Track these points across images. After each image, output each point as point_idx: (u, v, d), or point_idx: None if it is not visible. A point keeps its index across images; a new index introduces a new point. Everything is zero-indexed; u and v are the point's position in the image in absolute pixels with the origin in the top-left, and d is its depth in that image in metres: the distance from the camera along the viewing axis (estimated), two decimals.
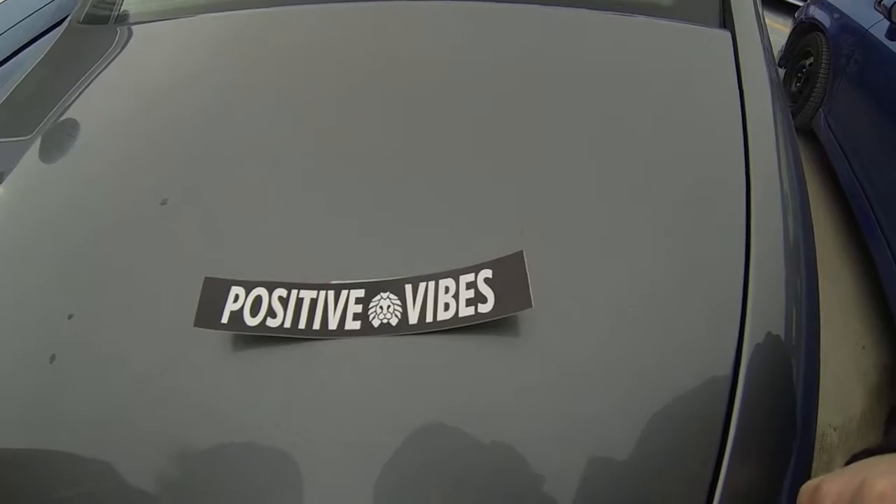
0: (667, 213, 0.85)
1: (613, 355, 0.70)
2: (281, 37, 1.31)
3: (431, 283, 0.75)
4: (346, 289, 0.77)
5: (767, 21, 1.29)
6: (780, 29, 5.24)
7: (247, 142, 1.02)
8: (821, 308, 0.85)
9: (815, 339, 0.80)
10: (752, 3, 1.28)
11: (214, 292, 0.77)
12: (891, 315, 2.63)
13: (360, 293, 0.76)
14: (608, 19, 1.20)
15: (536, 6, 1.24)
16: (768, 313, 0.75)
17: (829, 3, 4.09)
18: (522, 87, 1.07)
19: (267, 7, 1.39)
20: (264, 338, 0.74)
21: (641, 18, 1.22)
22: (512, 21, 1.23)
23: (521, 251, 0.74)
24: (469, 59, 1.14)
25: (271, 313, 0.75)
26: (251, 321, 0.74)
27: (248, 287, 0.77)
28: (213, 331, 0.75)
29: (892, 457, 0.45)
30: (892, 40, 3.22)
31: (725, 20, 1.20)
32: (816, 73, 3.94)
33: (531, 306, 0.69)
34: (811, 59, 4.10)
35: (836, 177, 3.51)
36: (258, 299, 0.76)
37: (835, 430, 2.23)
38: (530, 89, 1.06)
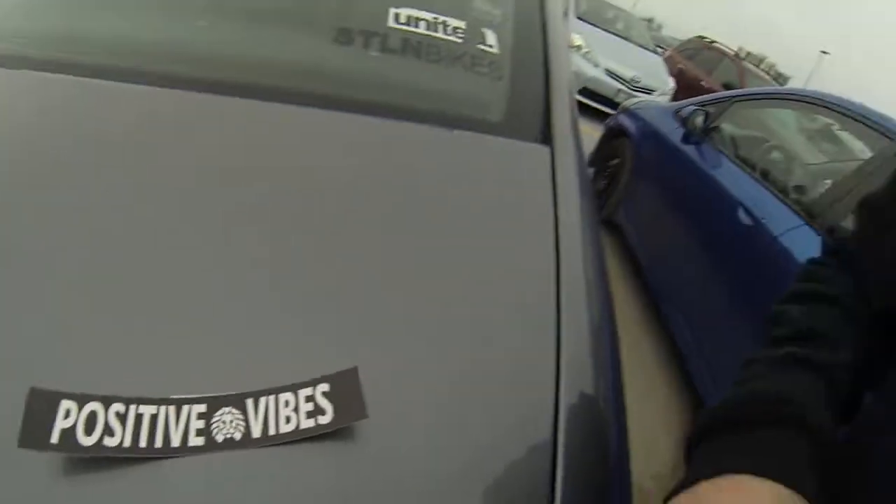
0: (486, 315, 0.90)
1: (444, 450, 0.73)
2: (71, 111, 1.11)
3: (272, 398, 0.73)
4: (187, 404, 0.71)
5: (582, 128, 1.39)
6: (592, 134, 5.90)
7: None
8: (626, 372, 0.97)
9: (621, 401, 0.90)
10: (571, 121, 1.36)
11: (41, 406, 0.66)
12: (687, 372, 3.08)
13: (202, 408, 0.71)
14: (432, 133, 1.20)
15: (361, 116, 1.18)
16: (580, 384, 0.83)
17: (635, 112, 4.82)
18: (343, 198, 1.05)
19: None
20: (101, 459, 0.66)
21: (467, 134, 1.22)
22: (334, 130, 1.17)
23: (356, 367, 0.75)
24: (293, 167, 1.08)
25: (108, 431, 0.66)
26: (86, 440, 0.65)
27: (81, 401, 0.67)
28: (41, 452, 0.63)
29: (692, 489, 0.50)
30: (686, 144, 3.89)
31: (546, 136, 1.26)
32: (621, 172, 4.54)
33: (366, 416, 0.71)
34: (617, 160, 4.70)
35: (636, 259, 4.08)
36: (93, 415, 0.67)
37: (651, 478, 2.48)
38: (350, 201, 1.05)
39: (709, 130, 3.83)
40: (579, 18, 8.99)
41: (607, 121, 5.28)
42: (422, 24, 1.22)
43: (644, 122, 4.55)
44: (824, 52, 68.95)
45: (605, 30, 9.32)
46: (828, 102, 3.46)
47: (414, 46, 1.18)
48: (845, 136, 4.05)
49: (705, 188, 3.49)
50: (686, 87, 10.70)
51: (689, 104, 4.21)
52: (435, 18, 1.24)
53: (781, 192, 3.14)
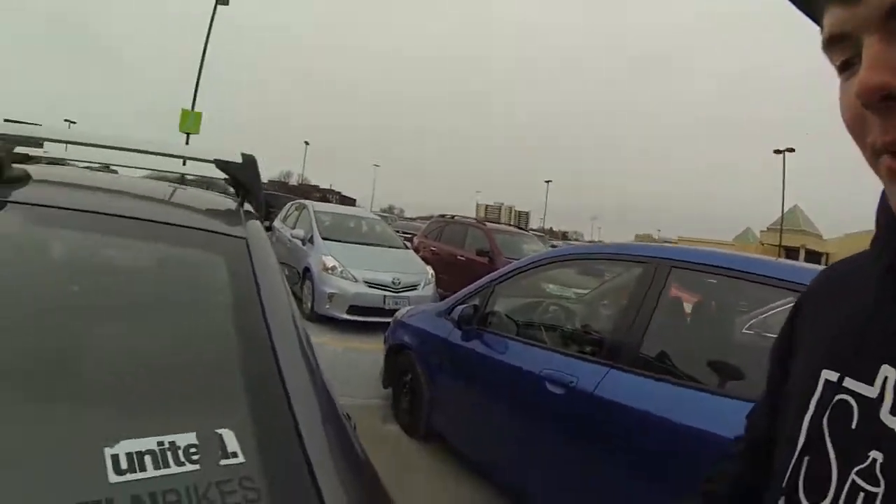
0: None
1: None
2: None
3: None
4: None
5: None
6: (374, 351, 5.69)
7: None
8: None
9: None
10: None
11: None
12: None
13: None
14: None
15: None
16: None
17: (407, 323, 4.72)
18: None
19: None
20: None
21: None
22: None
23: None
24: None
25: None
26: None
27: None
28: None
29: None
30: (467, 341, 3.83)
31: None
32: (418, 385, 4.36)
33: None
34: (409, 375, 4.52)
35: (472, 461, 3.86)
36: None
37: None
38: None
39: (484, 320, 3.81)
40: (325, 239, 9.06)
41: (385, 335, 5.15)
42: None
43: (420, 331, 4.47)
44: (548, 181, 78.93)
45: (352, 242, 9.41)
46: (565, 256, 3.86)
47: None
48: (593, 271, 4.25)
49: (504, 377, 3.46)
50: (448, 266, 11.21)
51: (454, 304, 4.21)
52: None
53: (578, 348, 3.23)
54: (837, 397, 0.62)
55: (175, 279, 1.68)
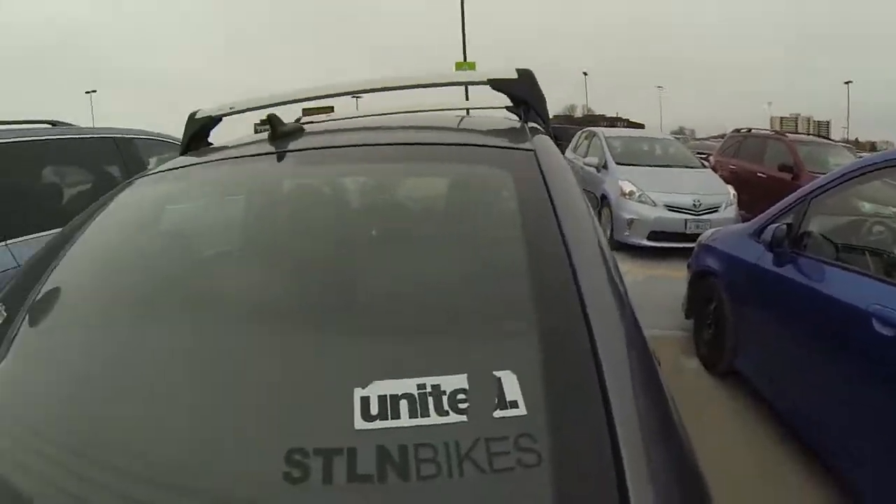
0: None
1: None
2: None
3: None
4: None
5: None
6: (677, 277, 5.51)
7: None
8: None
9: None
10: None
11: None
12: None
13: None
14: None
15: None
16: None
17: (713, 247, 4.46)
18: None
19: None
20: None
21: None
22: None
23: None
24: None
25: None
26: None
27: None
28: None
29: None
30: (780, 267, 3.40)
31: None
32: (723, 316, 4.08)
33: None
34: (714, 304, 4.28)
35: (778, 412, 3.49)
36: None
37: None
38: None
39: (799, 242, 3.36)
40: (619, 164, 8.98)
41: (689, 261, 4.94)
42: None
43: (727, 255, 4.18)
44: (848, 82, 68.78)
45: (647, 165, 9.20)
46: (891, 161, 3.08)
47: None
48: None
49: (822, 309, 2.96)
50: (746, 184, 10.34)
51: (765, 222, 3.79)
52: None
53: None
54: None
55: (459, 201, 1.67)
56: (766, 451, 3.30)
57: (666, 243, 7.75)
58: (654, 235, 7.79)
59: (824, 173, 4.73)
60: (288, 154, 1.67)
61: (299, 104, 2.16)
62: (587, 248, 1.16)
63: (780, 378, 3.44)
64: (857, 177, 3.26)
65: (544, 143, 1.60)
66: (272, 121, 1.74)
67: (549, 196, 1.27)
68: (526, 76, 1.96)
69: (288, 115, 1.89)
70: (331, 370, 0.98)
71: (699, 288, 4.59)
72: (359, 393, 0.86)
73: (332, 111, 5.75)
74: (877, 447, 2.48)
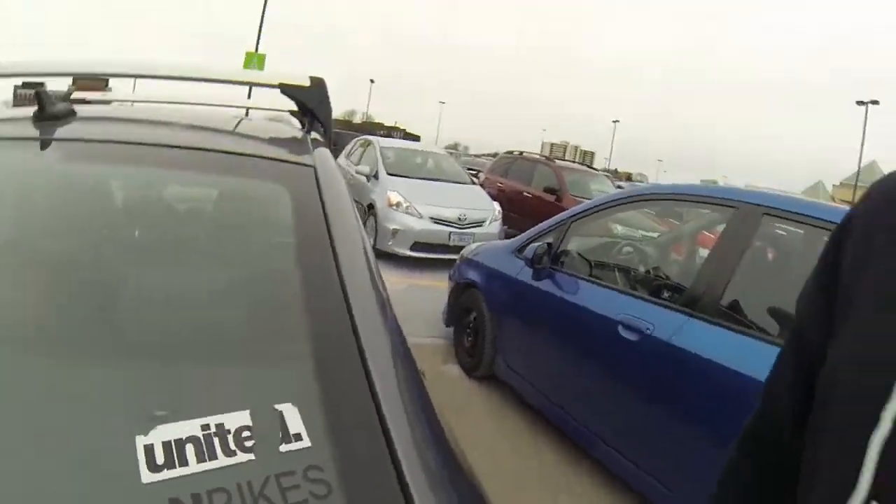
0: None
1: None
2: None
3: None
4: None
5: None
6: (439, 288, 5.63)
7: None
8: None
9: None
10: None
11: None
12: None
13: None
14: None
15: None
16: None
17: (476, 261, 4.61)
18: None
19: None
20: None
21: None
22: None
23: None
24: None
25: None
26: None
27: None
28: None
29: None
30: (539, 281, 3.69)
31: None
32: (482, 326, 4.27)
33: None
34: (474, 314, 4.44)
35: (539, 411, 3.74)
36: None
37: None
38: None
39: (557, 259, 3.69)
40: (390, 174, 9.00)
41: (451, 272, 5.06)
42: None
43: (488, 269, 4.37)
44: (615, 121, 78.78)
45: (418, 177, 9.34)
46: (643, 195, 3.72)
47: None
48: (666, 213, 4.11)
49: (576, 320, 3.35)
50: (512, 203, 11.03)
51: (528, 240, 4.06)
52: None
53: (654, 293, 3.11)
54: None
55: (230, 213, 1.61)
56: (521, 440, 3.64)
57: (429, 254, 7.89)
58: (417, 246, 7.89)
59: (586, 198, 5.17)
60: (53, 143, 1.50)
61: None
62: (359, 276, 1.17)
63: (541, 379, 3.69)
64: (611, 206, 3.74)
65: (324, 158, 1.61)
66: (41, 98, 1.50)
67: (326, 219, 1.28)
68: (317, 85, 1.89)
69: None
70: (102, 414, 0.84)
71: (460, 299, 4.72)
72: (141, 441, 0.77)
73: (107, 86, 5.10)
74: (619, 426, 2.99)
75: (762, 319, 2.52)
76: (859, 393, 0.48)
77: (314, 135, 1.86)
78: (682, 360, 2.59)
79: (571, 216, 3.85)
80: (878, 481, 0.44)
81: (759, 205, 2.77)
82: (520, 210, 10.55)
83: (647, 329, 2.80)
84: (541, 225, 4.14)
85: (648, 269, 3.69)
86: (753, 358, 2.29)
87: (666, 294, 3.05)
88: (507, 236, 6.20)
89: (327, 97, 1.97)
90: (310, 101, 1.92)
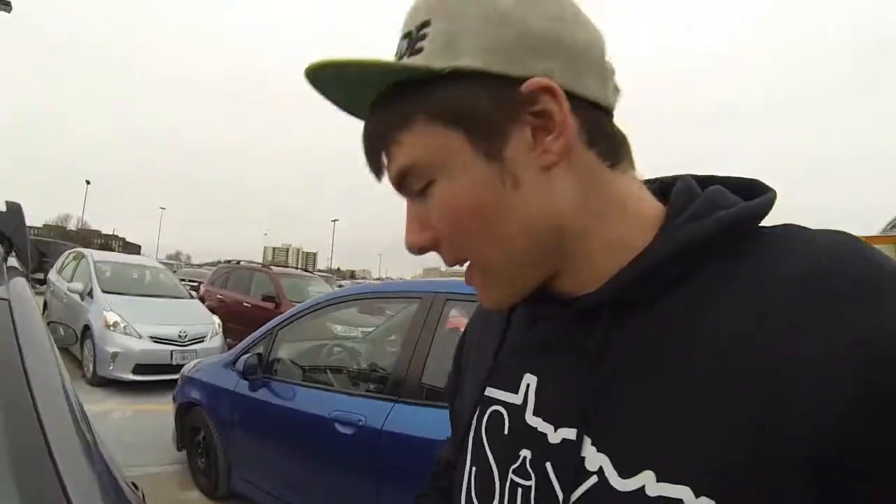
0: None
1: None
2: None
3: None
4: None
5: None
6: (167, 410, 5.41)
7: None
8: None
9: None
10: None
11: None
12: None
13: None
14: None
15: None
16: None
17: (196, 378, 4.55)
18: None
19: None
20: None
21: None
22: None
23: None
24: None
25: None
26: None
27: None
28: None
29: None
30: (255, 392, 3.79)
31: None
32: (212, 443, 4.22)
33: None
34: (203, 433, 4.37)
35: None
36: None
37: None
38: None
39: (270, 368, 3.82)
40: (105, 292, 8.45)
41: (174, 393, 4.91)
42: None
43: (209, 385, 4.35)
44: (335, 220, 79.41)
45: (135, 294, 8.87)
46: (341, 298, 3.97)
47: None
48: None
49: (296, 425, 3.46)
50: (233, 314, 10.91)
51: (240, 353, 4.17)
52: None
53: (364, 386, 3.41)
54: (491, 409, 0.68)
55: None
56: None
57: (152, 376, 7.50)
58: (139, 369, 7.45)
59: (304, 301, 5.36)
60: None
61: None
62: (59, 418, 1.12)
63: (276, 486, 3.73)
64: (310, 313, 3.98)
65: (20, 290, 1.50)
66: None
67: (21, 356, 1.20)
68: (14, 211, 1.81)
69: None
70: None
71: (187, 419, 4.62)
72: None
73: None
74: None
75: None
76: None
77: (11, 262, 1.73)
78: (395, 441, 2.83)
79: (277, 324, 4.03)
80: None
81: (442, 293, 3.17)
82: (240, 321, 10.40)
83: (360, 421, 3.00)
84: (250, 336, 4.26)
85: (358, 364, 3.97)
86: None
87: (373, 386, 3.32)
88: (230, 348, 6.18)
89: (24, 224, 1.89)
90: (5, 227, 1.81)
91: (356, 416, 3.04)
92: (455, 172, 0.56)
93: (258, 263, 13.94)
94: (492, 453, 0.66)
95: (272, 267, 12.84)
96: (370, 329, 5.87)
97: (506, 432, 0.65)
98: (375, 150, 0.61)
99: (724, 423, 0.47)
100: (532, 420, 0.62)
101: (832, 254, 0.49)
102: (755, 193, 0.57)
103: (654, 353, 0.53)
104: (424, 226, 0.60)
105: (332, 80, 0.57)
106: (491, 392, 0.70)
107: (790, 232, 0.54)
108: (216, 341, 8.41)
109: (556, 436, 0.59)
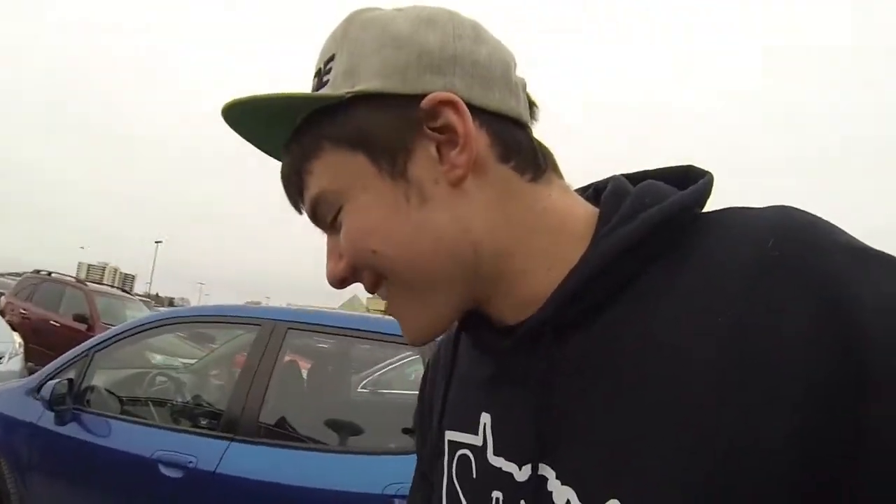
0: None
1: None
2: None
3: None
4: None
5: None
6: None
7: None
8: None
9: None
10: None
11: None
12: None
13: None
14: None
15: None
16: None
17: None
18: None
19: None
20: None
21: None
22: None
23: None
24: None
25: None
26: None
27: None
28: None
29: None
30: (63, 426, 3.24)
31: None
32: (4, 489, 3.55)
33: None
34: None
35: None
36: None
37: None
38: None
39: (82, 397, 3.30)
40: None
41: None
42: None
43: (3, 416, 3.69)
44: (158, 242, 75.46)
45: None
46: (175, 318, 3.65)
47: None
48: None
49: (112, 466, 3.03)
50: (39, 333, 9.79)
51: (45, 378, 3.57)
52: None
53: (194, 423, 3.10)
54: (459, 453, 0.66)
55: None
56: None
57: None
58: None
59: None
60: None
61: None
62: None
63: None
64: (137, 332, 3.55)
65: None
66: None
67: None
68: None
69: None
70: None
71: None
72: None
73: None
74: None
75: (303, 428, 2.77)
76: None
77: None
78: (231, 487, 2.61)
79: (94, 346, 3.53)
80: None
81: (283, 320, 2.97)
82: (47, 342, 9.27)
83: (190, 463, 2.72)
84: (59, 359, 3.68)
85: (186, 398, 3.63)
86: (296, 468, 2.51)
87: (205, 422, 3.04)
88: (31, 373, 5.46)
89: None
90: None
91: (185, 456, 2.75)
92: (358, 194, 0.57)
93: (72, 277, 12.68)
94: (465, 499, 0.64)
95: (88, 283, 11.76)
96: (192, 361, 5.43)
97: (474, 476, 0.63)
98: (291, 184, 0.61)
99: (684, 440, 0.44)
100: (494, 460, 0.60)
101: (779, 235, 0.46)
102: (691, 180, 0.56)
103: (603, 372, 0.51)
104: (341, 256, 0.60)
105: (248, 120, 0.59)
106: (452, 436, 0.68)
107: (731, 215, 0.52)
108: (16, 363, 7.34)
109: (521, 474, 0.57)
